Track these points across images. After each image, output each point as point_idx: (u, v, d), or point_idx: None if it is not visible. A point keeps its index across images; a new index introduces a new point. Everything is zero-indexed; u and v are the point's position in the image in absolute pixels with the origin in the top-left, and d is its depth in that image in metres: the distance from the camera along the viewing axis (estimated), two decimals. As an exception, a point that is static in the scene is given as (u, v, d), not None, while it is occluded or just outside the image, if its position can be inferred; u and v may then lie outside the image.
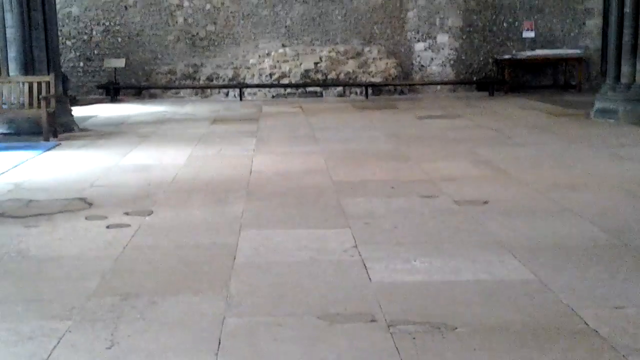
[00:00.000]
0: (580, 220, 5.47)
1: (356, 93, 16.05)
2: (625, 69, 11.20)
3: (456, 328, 3.51)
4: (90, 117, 12.76)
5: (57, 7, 12.45)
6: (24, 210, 6.09)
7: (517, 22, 16.46)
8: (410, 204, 6.08)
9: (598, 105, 11.48)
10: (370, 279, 4.27)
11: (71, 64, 16.17)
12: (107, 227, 5.49)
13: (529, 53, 16.06)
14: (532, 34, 16.10)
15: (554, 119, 11.81)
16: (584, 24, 16.52)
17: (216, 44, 16.43)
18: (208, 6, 16.32)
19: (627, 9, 11.07)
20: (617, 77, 11.32)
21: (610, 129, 10.42)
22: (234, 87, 15.89)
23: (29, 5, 10.56)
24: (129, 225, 5.49)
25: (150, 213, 5.90)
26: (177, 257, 4.74)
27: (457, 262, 4.53)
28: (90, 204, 6.23)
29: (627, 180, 6.88)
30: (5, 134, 10.53)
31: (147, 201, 6.33)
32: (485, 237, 5.08)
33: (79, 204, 6.27)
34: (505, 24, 16.51)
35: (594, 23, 16.47)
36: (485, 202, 6.08)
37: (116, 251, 4.86)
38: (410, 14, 16.49)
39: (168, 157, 8.66)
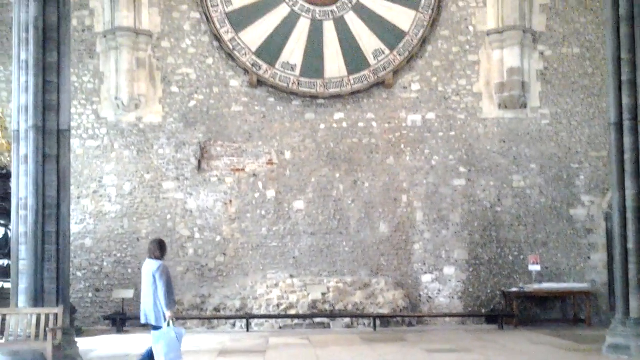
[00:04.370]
0: None
1: (364, 324, 15.94)
2: (633, 304, 11.18)
3: None
4: (94, 349, 12.59)
5: (71, 239, 12.74)
6: None
7: (522, 256, 16.70)
8: None
9: (609, 340, 11.33)
10: None
11: (80, 295, 16.23)
12: None
13: (536, 286, 16.10)
14: (538, 268, 16.25)
15: (566, 354, 11.61)
16: (589, 258, 16.75)
17: (225, 274, 16.61)
18: (218, 238, 16.69)
19: (630, 245, 11.28)
20: (627, 312, 11.26)
21: (625, 366, 10.21)
22: (241, 317, 15.81)
23: (44, 239, 10.83)
24: None
25: None
26: None
27: None
28: None
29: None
30: (8, 367, 10.37)
31: None
32: None
33: None
34: (510, 257, 16.75)
35: (599, 257, 16.71)
36: None
37: None
38: (416, 247, 16.79)
39: (172, 393, 8.43)
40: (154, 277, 8.93)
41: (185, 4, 17.17)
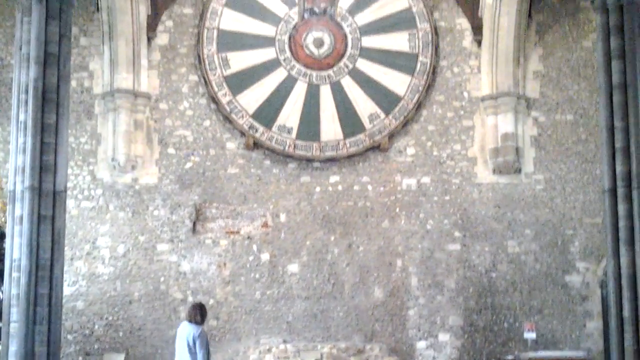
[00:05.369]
0: None
1: (359, 394, 15.74)
2: (630, 372, 11.07)
3: None
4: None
5: (63, 301, 12.60)
6: None
7: (517, 323, 16.54)
8: None
9: (607, 410, 11.19)
10: None
11: (70, 358, 15.97)
12: None
13: (531, 355, 15.85)
14: (533, 335, 16.07)
15: None
16: (584, 325, 16.58)
17: (217, 339, 16.37)
18: (212, 301, 16.51)
19: (626, 313, 11.18)
20: (624, 381, 11.15)
21: None
22: (233, 383, 15.60)
23: (35, 302, 10.72)
24: None
25: None
26: None
27: None
28: None
29: None
30: None
31: None
32: None
33: None
34: (506, 324, 16.59)
35: (595, 325, 16.53)
36: None
37: None
38: (411, 312, 16.65)
39: None
40: (194, 342, 8.85)
41: (184, 66, 17.35)
